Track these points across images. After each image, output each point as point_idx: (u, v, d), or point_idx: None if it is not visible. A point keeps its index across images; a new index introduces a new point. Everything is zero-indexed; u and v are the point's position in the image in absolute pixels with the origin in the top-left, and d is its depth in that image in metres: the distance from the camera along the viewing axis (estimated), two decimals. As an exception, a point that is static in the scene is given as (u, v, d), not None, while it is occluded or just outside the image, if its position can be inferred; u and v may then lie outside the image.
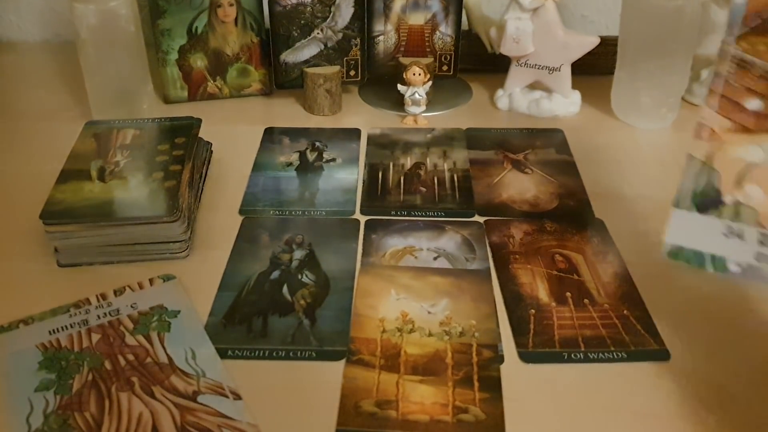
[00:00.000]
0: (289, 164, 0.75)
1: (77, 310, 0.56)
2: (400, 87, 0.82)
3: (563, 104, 0.84)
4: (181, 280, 0.59)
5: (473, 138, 0.80)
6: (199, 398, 0.48)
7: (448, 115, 0.86)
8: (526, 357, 0.52)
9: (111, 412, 0.47)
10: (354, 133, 0.81)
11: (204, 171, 0.72)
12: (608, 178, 0.73)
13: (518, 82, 0.85)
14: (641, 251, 0.61)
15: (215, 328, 0.54)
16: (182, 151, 0.67)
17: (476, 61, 0.91)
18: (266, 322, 0.55)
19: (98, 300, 0.57)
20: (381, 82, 0.87)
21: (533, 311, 0.56)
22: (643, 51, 0.78)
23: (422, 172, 0.74)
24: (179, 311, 0.56)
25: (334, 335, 0.54)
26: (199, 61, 0.85)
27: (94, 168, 0.64)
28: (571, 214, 0.68)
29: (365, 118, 0.84)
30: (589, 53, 0.81)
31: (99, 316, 0.55)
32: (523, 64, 0.83)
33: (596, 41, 0.80)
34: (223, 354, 0.52)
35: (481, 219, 0.67)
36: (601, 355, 0.52)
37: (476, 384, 0.50)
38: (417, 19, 0.85)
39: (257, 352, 0.53)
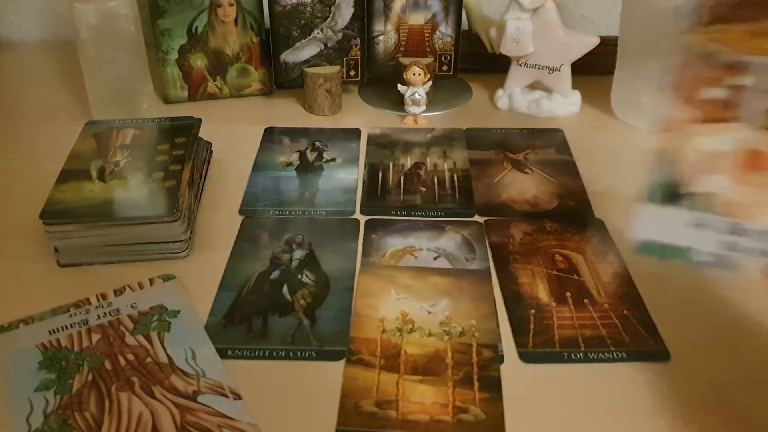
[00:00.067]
0: (289, 164, 0.75)
1: (77, 310, 0.56)
2: (400, 87, 0.82)
3: (563, 104, 0.84)
4: (181, 280, 0.59)
5: (473, 138, 0.80)
6: (199, 398, 0.48)
7: (448, 115, 0.86)
8: (526, 357, 0.52)
9: (111, 412, 0.47)
10: (354, 133, 0.81)
11: (204, 171, 0.72)
12: (608, 178, 0.73)
13: (518, 82, 0.85)
14: (641, 251, 0.61)
15: (215, 328, 0.54)
16: (182, 151, 0.67)
17: (476, 61, 0.91)
18: (266, 322, 0.55)
19: (98, 300, 0.57)
20: (381, 82, 0.87)
21: (533, 311, 0.56)
22: (643, 51, 0.78)
23: (422, 172, 0.74)
24: (179, 311, 0.56)
25: (334, 335, 0.54)
26: (199, 61, 0.85)
27: (94, 168, 0.64)
28: (571, 214, 0.68)
29: (365, 118, 0.84)
30: (589, 53, 0.81)
31: (99, 316, 0.55)
32: (523, 64, 0.83)
33: (596, 41, 0.80)
34: (223, 354, 0.52)
35: (481, 219, 0.67)
36: (601, 355, 0.52)
37: (476, 384, 0.50)
38: (417, 19, 0.85)
39: (257, 352, 0.53)
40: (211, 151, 0.75)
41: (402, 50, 0.87)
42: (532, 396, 0.49)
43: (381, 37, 0.86)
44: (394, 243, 0.64)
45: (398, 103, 0.84)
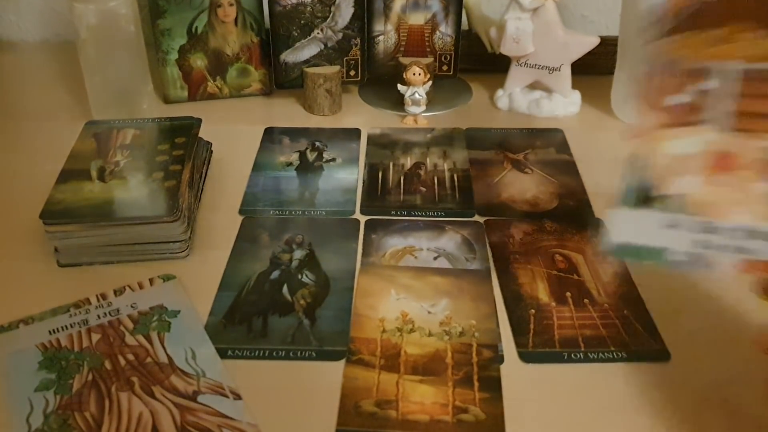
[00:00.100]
0: (289, 164, 0.75)
1: (77, 310, 0.56)
2: (400, 87, 0.82)
3: (563, 104, 0.84)
4: (181, 280, 0.59)
5: (473, 138, 0.80)
6: (199, 398, 0.48)
7: (448, 115, 0.86)
8: (526, 357, 0.52)
9: (111, 412, 0.47)
10: (354, 133, 0.81)
11: (204, 171, 0.72)
12: (608, 178, 0.72)
13: (518, 82, 0.85)
14: (641, 251, 0.61)
15: (215, 328, 0.54)
16: (182, 151, 0.67)
17: (476, 61, 0.91)
18: (266, 322, 0.55)
19: (98, 300, 0.57)
20: (381, 82, 0.87)
21: (533, 311, 0.56)
22: (643, 51, 0.78)
23: (422, 172, 0.74)
24: (179, 311, 0.56)
25: (334, 335, 0.54)
26: (199, 61, 0.85)
27: (94, 168, 0.64)
28: (571, 214, 0.68)
29: (365, 118, 0.84)
30: (589, 53, 0.81)
31: (99, 316, 0.55)
32: (523, 64, 0.83)
33: (596, 41, 0.80)
34: (223, 354, 0.52)
35: (481, 219, 0.67)
36: (601, 355, 0.52)
37: (476, 384, 0.50)
38: (417, 19, 0.85)
39: (257, 352, 0.53)
40: (211, 151, 0.75)
41: (402, 50, 0.87)
42: (532, 396, 0.49)
43: (381, 37, 0.86)
44: (394, 243, 0.64)
45: (398, 103, 0.84)
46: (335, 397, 0.49)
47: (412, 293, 0.58)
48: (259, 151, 0.78)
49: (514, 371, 0.51)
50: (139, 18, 0.79)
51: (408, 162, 0.76)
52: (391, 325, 0.54)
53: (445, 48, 0.86)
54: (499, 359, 0.52)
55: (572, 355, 0.52)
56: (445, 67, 0.88)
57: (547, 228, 0.65)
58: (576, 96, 0.85)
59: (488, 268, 0.61)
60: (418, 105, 0.82)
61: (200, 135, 0.71)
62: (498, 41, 0.83)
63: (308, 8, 0.82)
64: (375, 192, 0.71)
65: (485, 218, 0.67)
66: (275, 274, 0.60)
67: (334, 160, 0.76)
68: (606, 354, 0.52)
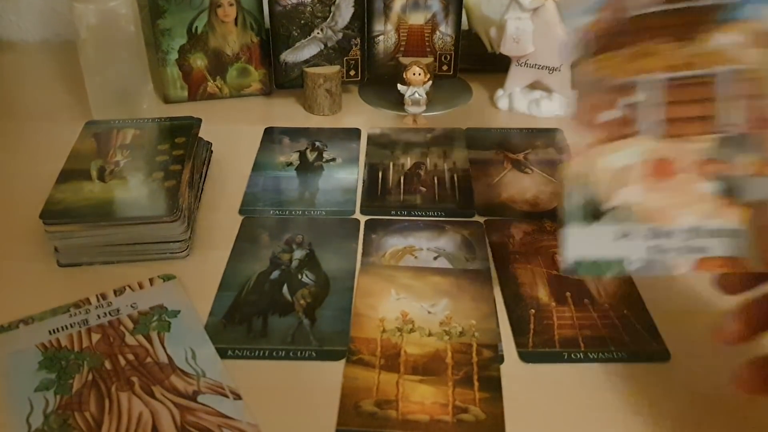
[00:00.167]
0: (289, 164, 0.75)
1: (77, 310, 0.56)
2: (400, 87, 0.82)
3: (563, 104, 0.84)
4: (181, 280, 0.59)
5: (473, 138, 0.80)
6: (199, 398, 0.48)
7: (448, 115, 0.86)
8: (526, 357, 0.52)
9: (111, 411, 0.47)
10: (354, 133, 0.81)
11: (204, 171, 0.72)
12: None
13: (518, 82, 0.85)
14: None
15: (215, 328, 0.54)
16: (182, 150, 0.67)
17: (476, 61, 0.91)
18: (266, 322, 0.55)
19: (98, 300, 0.57)
20: (381, 82, 0.87)
21: (533, 311, 0.56)
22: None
23: (422, 172, 0.74)
24: (179, 311, 0.56)
25: (334, 335, 0.54)
26: (199, 61, 0.85)
27: (94, 168, 0.64)
28: (571, 214, 0.68)
29: (365, 118, 0.84)
30: (589, 53, 0.81)
31: (99, 316, 0.55)
32: (523, 64, 0.83)
33: (596, 41, 0.80)
34: (223, 354, 0.52)
35: (481, 219, 0.67)
36: (601, 355, 0.52)
37: (476, 384, 0.50)
38: (417, 18, 0.85)
39: (257, 352, 0.53)
40: (211, 151, 0.75)
41: (402, 50, 0.87)
42: (532, 396, 0.49)
43: (381, 37, 0.86)
44: (394, 243, 0.64)
45: (398, 103, 0.84)
46: (335, 397, 0.49)
47: (412, 293, 0.58)
48: (259, 151, 0.78)
49: (514, 371, 0.51)
50: (139, 18, 0.79)
51: (408, 162, 0.76)
52: (391, 325, 0.54)
53: (445, 48, 0.86)
54: (499, 359, 0.52)
55: (572, 355, 0.52)
56: (445, 67, 0.88)
57: (547, 228, 0.65)
58: (576, 96, 0.85)
59: (488, 268, 0.61)
60: (418, 105, 0.82)
61: (200, 135, 0.71)
62: (498, 41, 0.83)
63: (308, 8, 0.82)
64: (375, 192, 0.71)
65: (485, 218, 0.67)
66: (275, 274, 0.60)
67: (334, 160, 0.76)
68: (606, 354, 0.52)
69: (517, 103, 0.85)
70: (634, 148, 0.47)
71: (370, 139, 0.80)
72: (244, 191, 0.71)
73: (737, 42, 0.45)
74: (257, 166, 0.75)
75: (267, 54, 0.86)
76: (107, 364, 0.51)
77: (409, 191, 0.71)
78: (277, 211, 0.68)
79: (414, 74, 0.80)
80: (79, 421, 0.47)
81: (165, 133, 0.70)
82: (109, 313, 0.55)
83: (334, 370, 0.51)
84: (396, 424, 0.47)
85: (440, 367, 0.51)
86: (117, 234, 0.60)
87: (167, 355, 0.52)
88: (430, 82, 0.81)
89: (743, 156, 0.44)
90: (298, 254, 0.62)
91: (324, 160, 0.76)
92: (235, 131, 0.81)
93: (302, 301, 0.57)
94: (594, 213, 0.47)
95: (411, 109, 0.82)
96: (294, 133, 0.81)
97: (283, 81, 0.86)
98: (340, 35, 0.84)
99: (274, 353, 0.52)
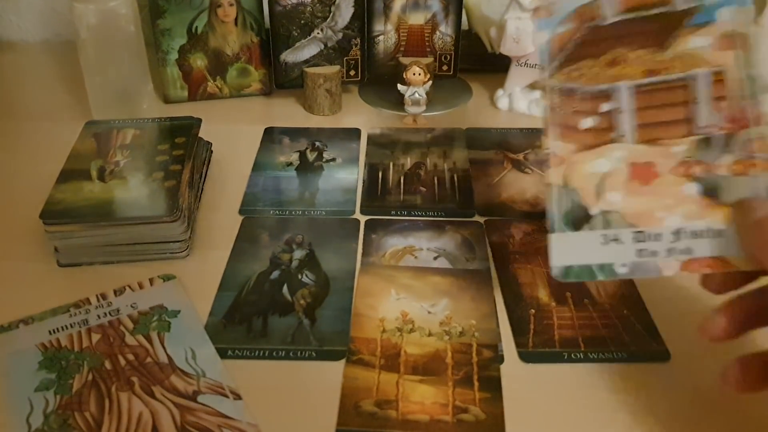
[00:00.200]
0: (289, 164, 0.75)
1: (77, 310, 0.56)
2: (400, 87, 0.82)
3: (563, 104, 0.84)
4: (181, 280, 0.59)
5: (473, 138, 0.80)
6: (199, 398, 0.48)
7: (448, 115, 0.86)
8: (526, 357, 0.52)
9: (111, 412, 0.47)
10: (354, 133, 0.81)
11: (204, 171, 0.72)
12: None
13: (518, 82, 0.85)
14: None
15: (215, 328, 0.54)
16: (182, 150, 0.67)
17: (476, 61, 0.91)
18: (266, 322, 0.55)
19: (98, 300, 0.57)
20: (381, 82, 0.87)
21: (533, 311, 0.56)
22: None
23: (422, 172, 0.74)
24: (179, 311, 0.56)
25: (334, 335, 0.54)
26: (199, 61, 0.85)
27: (94, 168, 0.64)
28: (571, 214, 0.68)
29: (365, 118, 0.84)
30: (589, 53, 0.81)
31: (99, 316, 0.55)
32: (523, 64, 0.83)
33: (596, 41, 0.80)
34: (223, 354, 0.52)
35: (481, 219, 0.67)
36: (601, 355, 0.52)
37: (476, 384, 0.50)
38: (417, 18, 0.85)
39: (257, 352, 0.53)
40: (211, 151, 0.75)
41: (402, 50, 0.87)
42: (532, 396, 0.49)
43: (381, 37, 0.86)
44: (394, 243, 0.64)
45: (398, 103, 0.84)
46: (335, 397, 0.49)
47: (412, 293, 0.58)
48: (259, 151, 0.78)
49: (514, 371, 0.51)
50: (139, 18, 0.79)
51: (408, 162, 0.76)
52: (391, 325, 0.54)
53: (445, 48, 0.86)
54: (499, 359, 0.52)
55: (572, 355, 0.52)
56: (445, 67, 0.88)
57: (547, 228, 0.65)
58: (576, 96, 0.85)
59: (488, 268, 0.61)
60: (418, 105, 0.82)
61: (200, 135, 0.71)
62: (498, 41, 0.83)
63: (308, 8, 0.82)
64: (375, 192, 0.71)
65: (485, 218, 0.67)
66: (275, 274, 0.60)
67: (334, 160, 0.76)
68: (606, 354, 0.52)
69: (517, 103, 0.85)
70: (614, 155, 0.48)
71: (370, 139, 0.80)
72: (244, 191, 0.71)
73: (708, 45, 0.46)
74: (257, 166, 0.75)
75: (267, 54, 0.86)
76: (107, 364, 0.51)
77: (409, 191, 0.71)
78: (277, 211, 0.68)
79: (414, 74, 0.80)
80: (79, 421, 0.47)
81: (165, 133, 0.70)
82: (109, 313, 0.55)
83: (334, 370, 0.51)
84: (396, 424, 0.47)
85: (440, 367, 0.51)
86: (117, 234, 0.60)
87: (167, 355, 0.52)
88: (430, 82, 0.81)
89: (723, 156, 0.45)
90: (298, 254, 0.62)
91: (324, 160, 0.76)
92: (235, 131, 0.81)
93: (302, 301, 0.57)
94: (578, 220, 0.48)
95: (411, 109, 0.82)
96: (294, 133, 0.81)
97: (283, 81, 0.86)
98: (340, 35, 0.84)
99: (274, 353, 0.52)
